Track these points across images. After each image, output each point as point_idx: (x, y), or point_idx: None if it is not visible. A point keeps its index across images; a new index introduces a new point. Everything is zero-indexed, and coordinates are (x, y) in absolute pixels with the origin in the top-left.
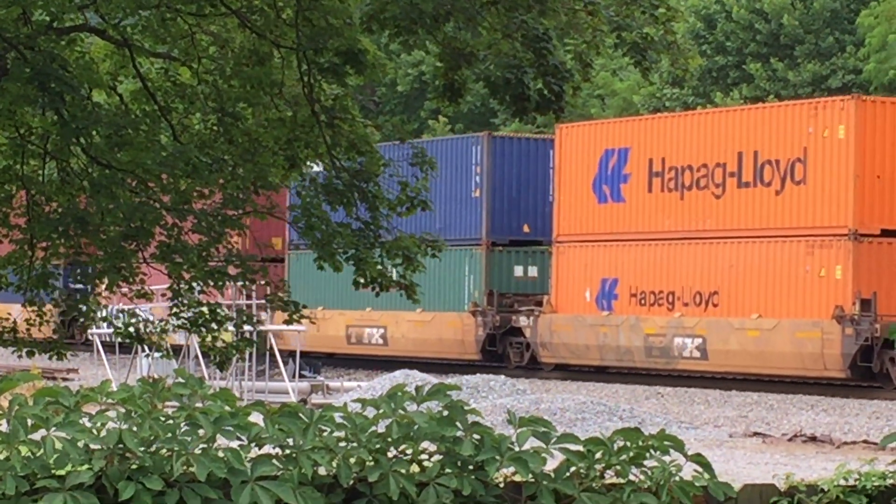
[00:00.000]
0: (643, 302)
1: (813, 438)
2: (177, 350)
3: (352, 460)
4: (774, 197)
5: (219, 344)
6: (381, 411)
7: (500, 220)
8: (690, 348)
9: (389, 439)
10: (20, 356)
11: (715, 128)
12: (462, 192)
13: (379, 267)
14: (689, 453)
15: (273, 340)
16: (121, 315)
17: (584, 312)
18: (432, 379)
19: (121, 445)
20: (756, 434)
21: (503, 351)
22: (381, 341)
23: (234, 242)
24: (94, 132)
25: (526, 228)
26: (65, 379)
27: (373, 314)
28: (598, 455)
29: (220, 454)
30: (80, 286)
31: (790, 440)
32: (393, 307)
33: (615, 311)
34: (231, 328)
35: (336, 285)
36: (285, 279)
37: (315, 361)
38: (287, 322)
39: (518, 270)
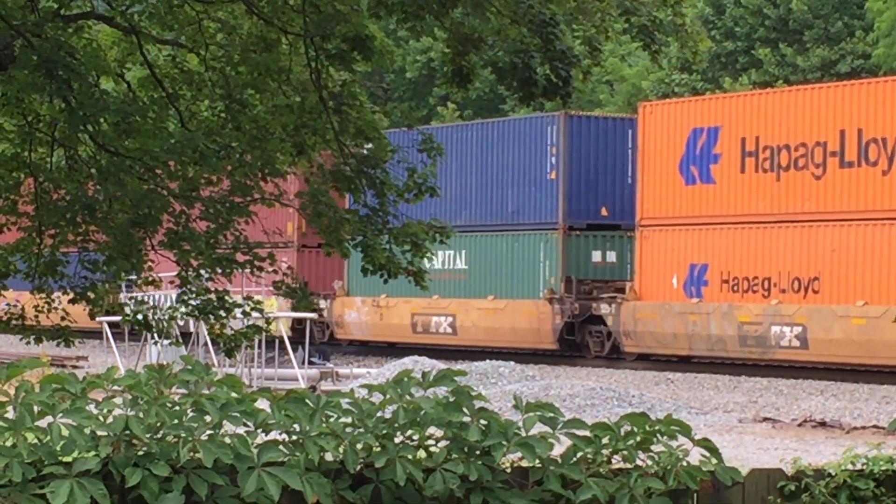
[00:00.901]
0: (736, 288)
1: (823, 424)
2: (186, 337)
3: (358, 446)
4: (881, 177)
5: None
6: (387, 397)
7: (577, 204)
8: (789, 337)
9: (396, 425)
10: (28, 343)
11: (814, 105)
12: (536, 174)
13: (387, 254)
14: (697, 438)
15: (333, 328)
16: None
17: (671, 299)
18: (440, 364)
19: (127, 432)
20: (766, 419)
21: (582, 340)
22: (449, 330)
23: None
24: (101, 119)
25: (604, 212)
26: (74, 366)
27: (441, 302)
28: (604, 440)
29: (227, 440)
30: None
31: (800, 425)
32: (463, 294)
33: (705, 298)
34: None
35: None
36: (293, 266)
37: (324, 348)
38: (295, 309)
39: (596, 256)
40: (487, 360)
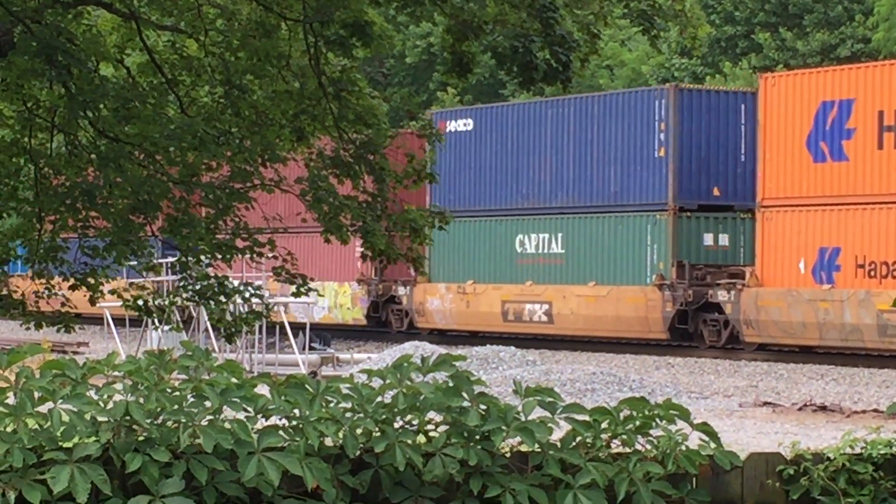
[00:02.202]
0: (873, 273)
1: (823, 408)
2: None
3: (358, 431)
4: None
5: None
6: (387, 382)
7: (687, 183)
8: None
9: (396, 410)
10: (28, 329)
11: None
12: (643, 152)
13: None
14: (697, 423)
15: (415, 314)
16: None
17: (798, 286)
18: (439, 350)
19: (128, 417)
20: (766, 404)
21: (695, 329)
22: (544, 318)
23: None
24: (101, 105)
25: (716, 192)
26: (75, 352)
27: (535, 288)
28: (604, 425)
29: (227, 425)
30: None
31: (800, 409)
32: (560, 280)
33: (837, 284)
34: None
35: (490, 256)
36: (292, 253)
37: (325, 333)
38: (295, 294)
39: (707, 239)
40: (488, 346)
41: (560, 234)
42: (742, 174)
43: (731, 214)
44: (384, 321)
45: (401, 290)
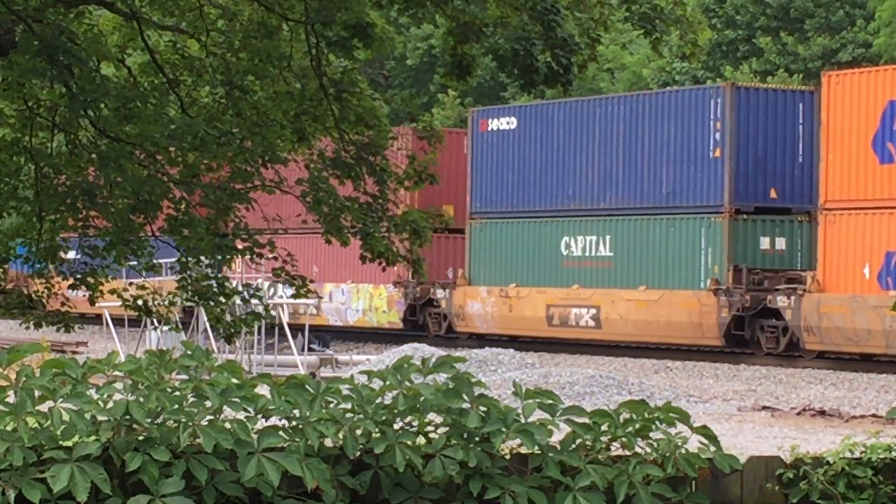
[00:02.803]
0: None
1: (822, 412)
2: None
3: (358, 432)
4: None
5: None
6: (387, 383)
7: (744, 184)
8: None
9: (396, 411)
10: (27, 328)
11: None
12: (697, 152)
13: (385, 241)
14: (696, 426)
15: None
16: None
17: (863, 292)
18: (439, 352)
19: (128, 417)
20: (765, 408)
21: (752, 336)
22: (591, 323)
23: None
24: (102, 105)
25: (773, 193)
26: (74, 352)
27: (582, 292)
28: (603, 427)
29: (227, 425)
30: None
31: (799, 414)
32: (608, 284)
33: None
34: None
35: (534, 258)
36: (292, 254)
37: (323, 335)
38: (295, 296)
39: (764, 242)
40: (487, 348)
41: (608, 237)
42: (799, 176)
43: (788, 217)
44: (421, 325)
45: (439, 293)
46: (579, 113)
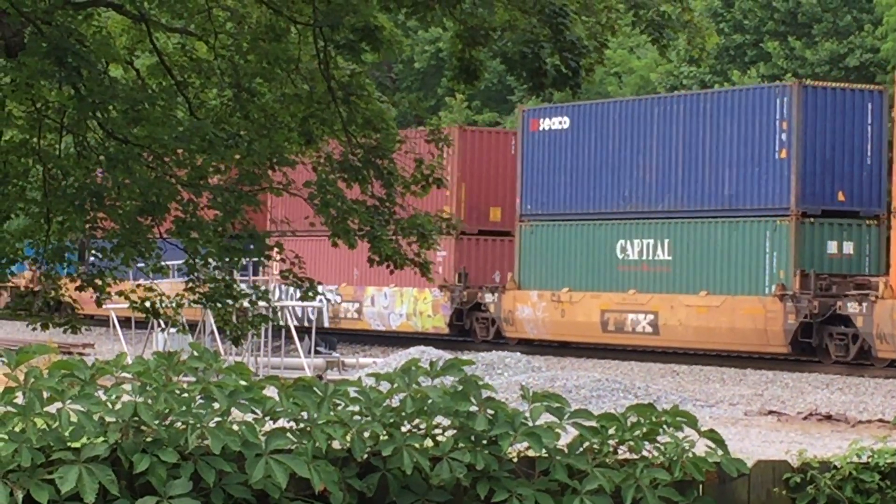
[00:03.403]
0: None
1: (828, 417)
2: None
3: (366, 434)
4: None
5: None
6: (395, 386)
7: (811, 187)
8: None
9: (403, 414)
10: (34, 329)
11: None
12: (762, 153)
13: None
14: (703, 430)
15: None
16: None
17: None
18: (446, 355)
19: (136, 418)
20: (771, 412)
21: (820, 343)
22: (649, 329)
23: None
24: (110, 107)
25: (840, 196)
26: (81, 354)
27: (639, 297)
28: (611, 431)
29: (235, 427)
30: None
31: (805, 418)
32: (666, 289)
33: None
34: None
35: (587, 262)
36: (299, 256)
37: (330, 338)
38: (302, 299)
39: (831, 246)
40: (493, 351)
41: (667, 240)
42: (867, 178)
43: (856, 221)
44: (468, 330)
45: (488, 298)
46: (636, 112)
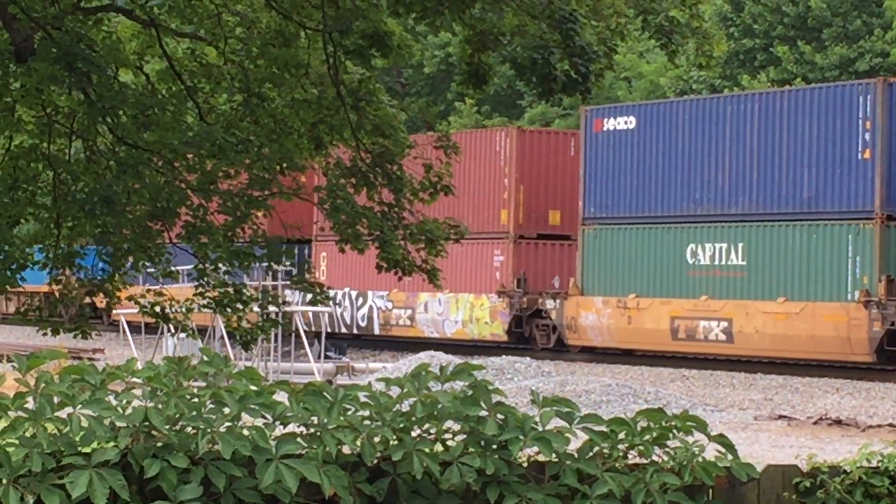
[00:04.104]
0: None
1: (838, 422)
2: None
3: (376, 439)
4: None
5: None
6: (405, 391)
7: None
8: None
9: (413, 418)
10: (44, 335)
11: None
12: (844, 153)
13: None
14: (713, 434)
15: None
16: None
17: None
18: (456, 359)
19: (146, 423)
20: (781, 417)
21: None
22: (722, 337)
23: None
24: (120, 112)
25: None
26: (91, 359)
27: (712, 303)
28: (621, 435)
29: (245, 432)
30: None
31: (815, 423)
32: (740, 295)
33: None
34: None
35: (656, 267)
36: (312, 262)
37: (340, 342)
38: (312, 303)
39: None
40: (503, 356)
41: (741, 244)
42: None
43: None
44: (527, 337)
45: (549, 304)
46: (707, 111)
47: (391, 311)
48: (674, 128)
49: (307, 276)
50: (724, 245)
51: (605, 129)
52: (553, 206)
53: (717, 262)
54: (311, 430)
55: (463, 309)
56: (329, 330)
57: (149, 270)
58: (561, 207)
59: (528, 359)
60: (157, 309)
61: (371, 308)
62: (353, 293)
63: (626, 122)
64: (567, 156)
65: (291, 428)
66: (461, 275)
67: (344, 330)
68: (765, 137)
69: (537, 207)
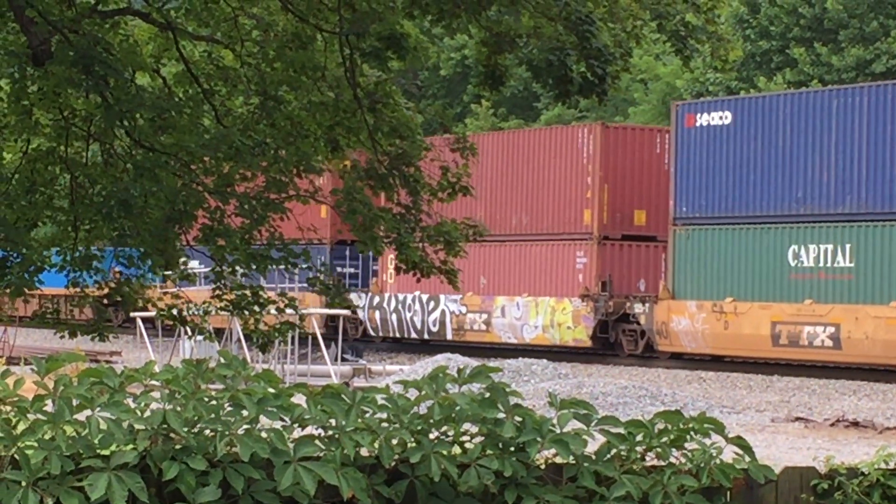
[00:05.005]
0: None
1: (855, 423)
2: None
3: (394, 441)
4: None
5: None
6: (422, 393)
7: None
8: None
9: (431, 421)
10: (62, 337)
11: None
12: None
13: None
14: (731, 436)
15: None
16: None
17: None
18: (473, 362)
19: (165, 426)
20: (798, 419)
21: None
22: (829, 343)
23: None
24: (137, 115)
25: None
26: (108, 361)
27: (817, 308)
28: (638, 437)
29: (264, 435)
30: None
31: (832, 425)
32: (848, 299)
33: None
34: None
35: (754, 269)
36: (326, 264)
37: (357, 345)
38: (329, 306)
39: None
40: (520, 358)
41: (848, 245)
42: None
43: None
44: (613, 343)
45: (637, 308)
46: (811, 105)
47: (465, 315)
48: (774, 122)
49: (322, 276)
50: (830, 246)
51: (697, 124)
52: (638, 206)
53: (822, 265)
54: (329, 433)
55: (543, 313)
56: (398, 335)
57: (165, 273)
58: (646, 207)
59: (545, 361)
60: (174, 312)
61: (443, 312)
62: (424, 297)
63: (721, 117)
64: (653, 153)
65: (309, 430)
66: (541, 277)
67: (413, 335)
68: (875, 132)
69: (622, 207)
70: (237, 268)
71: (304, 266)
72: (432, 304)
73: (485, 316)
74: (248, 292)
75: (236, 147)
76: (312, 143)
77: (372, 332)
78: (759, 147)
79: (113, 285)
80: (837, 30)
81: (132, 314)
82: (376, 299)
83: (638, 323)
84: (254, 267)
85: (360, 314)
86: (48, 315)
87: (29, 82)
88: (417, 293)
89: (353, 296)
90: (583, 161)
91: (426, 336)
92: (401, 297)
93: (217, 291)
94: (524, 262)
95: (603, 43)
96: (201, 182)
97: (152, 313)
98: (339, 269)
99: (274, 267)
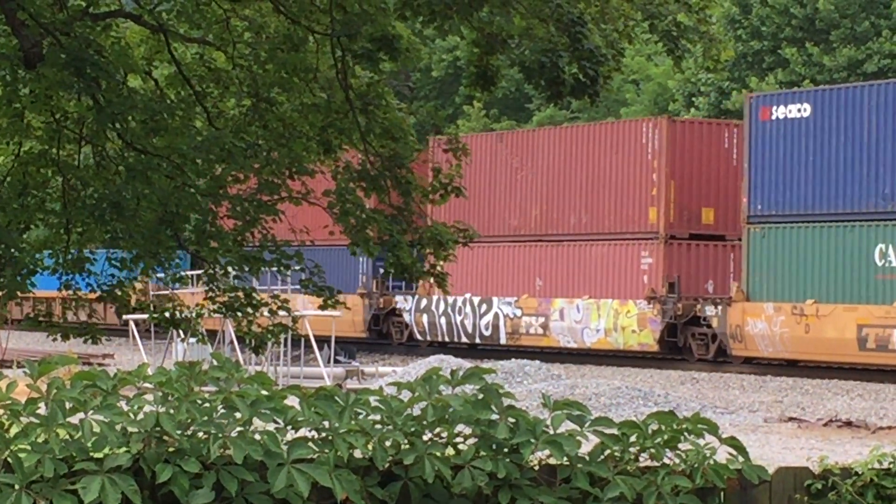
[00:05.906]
0: None
1: (848, 423)
2: (212, 335)
3: (387, 443)
4: None
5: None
6: (416, 395)
7: None
8: None
9: (425, 422)
10: (54, 340)
11: None
12: None
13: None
14: (725, 437)
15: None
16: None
17: None
18: (466, 364)
19: (158, 428)
20: (791, 419)
21: None
22: None
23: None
24: (129, 117)
25: None
26: (101, 364)
27: None
28: (632, 438)
29: (257, 437)
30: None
31: (825, 425)
32: None
33: None
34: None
35: (838, 270)
36: (319, 265)
37: (350, 347)
38: (322, 307)
39: None
40: (513, 360)
41: None
42: None
43: None
44: (681, 347)
45: (709, 311)
46: (868, 99)
47: (520, 318)
48: (857, 115)
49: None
50: None
51: (773, 117)
52: (706, 204)
53: None
54: (323, 435)
55: (606, 316)
56: (447, 339)
57: (158, 275)
58: (714, 205)
59: (538, 362)
60: (167, 314)
61: (497, 316)
62: (476, 299)
63: (799, 110)
64: (721, 148)
65: (303, 432)
66: (602, 278)
67: (465, 339)
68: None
69: (689, 205)
70: (230, 269)
71: (296, 268)
72: (484, 306)
73: (542, 319)
74: (240, 294)
75: (228, 149)
76: (305, 144)
77: (419, 337)
78: (842, 141)
79: (106, 288)
80: (829, 30)
81: (125, 317)
82: (423, 302)
83: (709, 326)
84: (246, 269)
85: (406, 317)
86: (41, 318)
87: (20, 85)
88: (468, 295)
89: (398, 298)
90: (647, 157)
91: (477, 340)
92: (450, 299)
93: (210, 293)
94: (583, 263)
95: (595, 44)
96: (193, 184)
97: (145, 316)
98: (381, 270)
99: (281, 269)
